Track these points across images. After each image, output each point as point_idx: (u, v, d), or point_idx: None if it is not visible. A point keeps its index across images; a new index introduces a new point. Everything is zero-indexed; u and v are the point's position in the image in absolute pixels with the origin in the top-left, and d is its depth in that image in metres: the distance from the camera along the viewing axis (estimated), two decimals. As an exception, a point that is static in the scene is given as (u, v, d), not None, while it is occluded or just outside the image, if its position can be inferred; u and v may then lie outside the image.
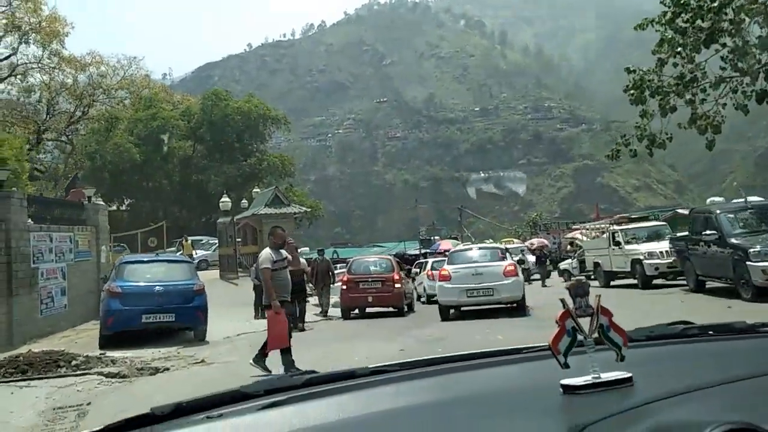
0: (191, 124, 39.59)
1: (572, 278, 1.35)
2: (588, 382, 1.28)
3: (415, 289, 20.61)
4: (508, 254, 14.97)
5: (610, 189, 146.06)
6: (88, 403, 6.04)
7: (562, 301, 1.36)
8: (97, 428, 1.26)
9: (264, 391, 1.44)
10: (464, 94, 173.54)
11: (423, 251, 42.82)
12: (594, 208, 46.14)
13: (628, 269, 17.21)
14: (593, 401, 1.25)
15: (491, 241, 34.27)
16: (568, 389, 1.27)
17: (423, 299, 20.21)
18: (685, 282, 15.39)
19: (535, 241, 34.51)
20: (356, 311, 15.91)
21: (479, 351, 1.71)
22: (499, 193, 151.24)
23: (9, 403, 7.01)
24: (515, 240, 35.47)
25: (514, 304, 13.19)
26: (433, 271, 20.45)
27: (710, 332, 1.83)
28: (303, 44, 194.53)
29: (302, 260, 15.00)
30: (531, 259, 25.37)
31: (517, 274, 13.43)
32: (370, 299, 14.82)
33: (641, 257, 16.37)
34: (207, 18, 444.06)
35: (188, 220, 40.43)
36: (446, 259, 15.48)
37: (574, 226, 34.07)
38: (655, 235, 17.40)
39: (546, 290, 20.40)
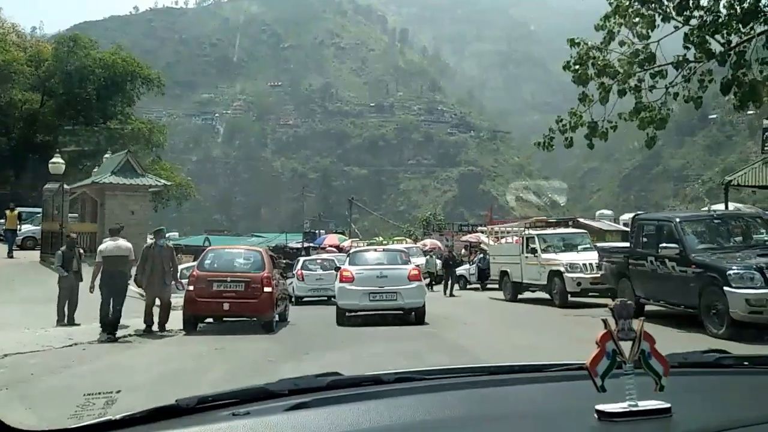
0: (40, 72, 32.96)
1: (617, 299, 1.09)
2: (624, 410, 1.22)
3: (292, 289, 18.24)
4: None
5: (490, 196, 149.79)
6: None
7: (604, 321, 1.29)
8: (119, 416, 1.26)
9: (288, 390, 1.44)
10: (361, 87, 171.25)
11: (306, 245, 39.29)
12: (487, 213, 44.16)
13: (543, 282, 14.55)
14: (629, 430, 1.19)
15: (380, 239, 31.29)
16: (603, 415, 1.21)
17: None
18: (609, 302, 12.74)
19: (428, 242, 31.91)
20: (208, 320, 12.02)
21: (509, 365, 1.68)
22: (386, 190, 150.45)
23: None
24: (407, 240, 32.57)
25: (412, 312, 12.21)
26: (303, 271, 18.98)
27: (746, 363, 1.76)
28: (196, 14, 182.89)
29: (125, 244, 10.74)
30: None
31: (421, 279, 12.73)
32: (226, 306, 10.77)
33: (561, 269, 13.73)
34: None
35: (29, 188, 33.80)
36: (347, 258, 14.00)
37: (478, 228, 31.63)
38: (575, 245, 14.88)
39: (450, 301, 17.44)
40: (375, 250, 15.01)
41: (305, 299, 18.66)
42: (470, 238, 30.07)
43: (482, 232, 27.46)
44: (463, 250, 29.04)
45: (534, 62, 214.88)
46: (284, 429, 1.22)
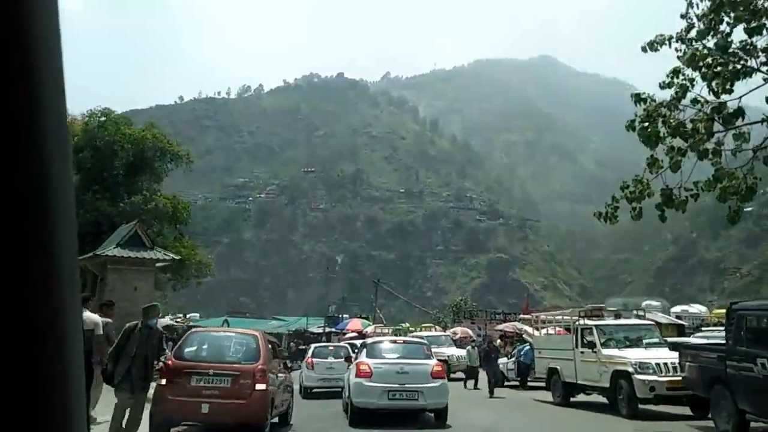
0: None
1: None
2: None
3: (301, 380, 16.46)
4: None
5: (519, 284, 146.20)
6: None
7: None
8: None
9: None
10: (391, 174, 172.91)
11: (328, 330, 36.67)
12: (525, 301, 40.90)
13: (604, 384, 11.83)
14: None
15: (407, 325, 28.80)
16: None
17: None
18: (689, 412, 10.16)
19: (458, 331, 29.17)
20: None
21: None
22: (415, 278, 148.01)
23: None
24: (436, 327, 29.86)
25: (433, 413, 10.99)
26: (314, 359, 17.17)
27: None
28: (237, 104, 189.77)
29: (91, 317, 8.40)
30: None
31: (444, 377, 11.32)
32: (205, 409, 7.93)
33: (629, 369, 11.04)
34: (139, 65, 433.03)
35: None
36: (363, 350, 12.16)
37: (519, 316, 28.76)
38: (640, 339, 12.22)
39: (490, 403, 14.56)
40: (395, 341, 13.19)
41: (314, 390, 16.68)
42: (506, 327, 27.19)
43: (524, 320, 24.63)
44: (499, 341, 26.18)
45: (561, 152, 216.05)
46: None
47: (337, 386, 15.11)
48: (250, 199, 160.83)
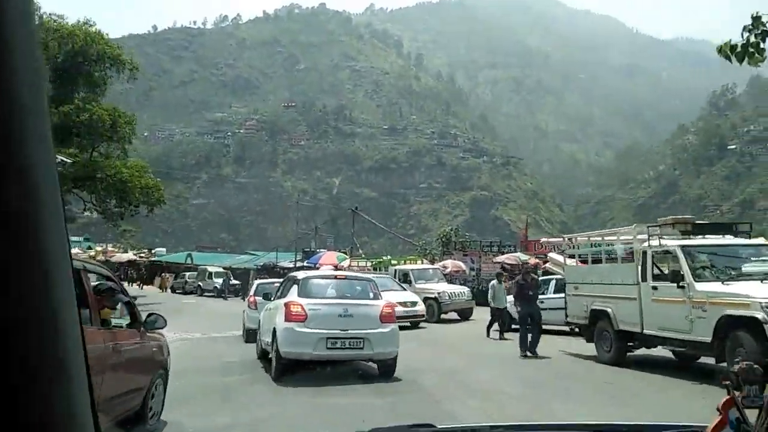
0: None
1: (743, 363, 0.95)
2: None
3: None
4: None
5: (502, 222, 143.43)
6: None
7: (727, 387, 1.12)
8: None
9: None
10: (374, 110, 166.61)
11: (301, 264, 32.26)
12: (523, 231, 34.44)
13: (701, 336, 7.18)
14: None
15: (389, 258, 24.06)
16: None
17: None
18: None
19: (449, 264, 24.68)
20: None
21: (615, 423, 1.52)
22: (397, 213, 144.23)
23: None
24: (422, 260, 25.13)
25: (378, 364, 8.90)
26: (257, 298, 14.27)
27: None
28: (213, 35, 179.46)
29: None
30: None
31: (394, 321, 9.07)
32: None
33: (756, 314, 6.40)
34: None
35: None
36: (294, 287, 9.28)
37: (511, 248, 23.99)
38: (742, 269, 7.57)
39: (530, 367, 10.04)
40: (335, 277, 10.53)
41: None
42: (506, 258, 22.68)
43: (555, 245, 19.89)
44: (502, 273, 21.66)
45: (547, 90, 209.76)
46: None
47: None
48: (229, 134, 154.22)
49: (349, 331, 8.54)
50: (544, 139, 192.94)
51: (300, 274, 10.68)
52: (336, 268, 32.02)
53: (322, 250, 38.21)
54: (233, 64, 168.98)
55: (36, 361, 0.63)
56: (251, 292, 15.51)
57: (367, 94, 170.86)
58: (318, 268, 32.50)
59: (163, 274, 41.56)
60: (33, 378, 0.63)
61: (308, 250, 40.83)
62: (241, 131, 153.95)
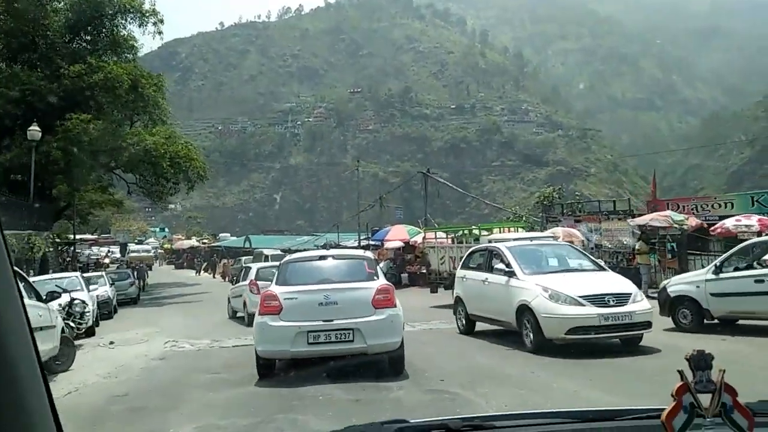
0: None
1: (694, 350, 1.01)
2: None
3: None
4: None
5: (582, 197, 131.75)
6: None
7: (680, 372, 1.13)
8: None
9: None
10: (440, 90, 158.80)
11: (366, 242, 26.30)
12: (651, 186, 25.53)
13: None
14: None
15: (475, 229, 17.44)
16: None
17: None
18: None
19: (559, 232, 17.60)
20: None
21: (580, 410, 1.55)
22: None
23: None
24: (520, 229, 18.12)
25: (383, 357, 7.26)
26: (259, 282, 13.11)
27: None
28: (278, 28, 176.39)
29: None
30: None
31: (394, 304, 7.28)
32: None
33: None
34: None
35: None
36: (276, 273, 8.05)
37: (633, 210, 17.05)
38: None
39: None
40: (321, 257, 8.13)
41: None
42: (649, 219, 15.47)
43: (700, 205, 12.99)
44: (639, 244, 14.54)
45: (621, 58, 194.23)
46: None
47: None
48: (299, 123, 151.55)
49: (334, 322, 6.93)
50: (621, 109, 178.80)
51: (286, 258, 9.22)
52: (407, 244, 25.63)
53: (387, 226, 31.86)
54: (298, 55, 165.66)
55: None
56: (252, 276, 14.35)
57: (432, 75, 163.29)
58: (383, 246, 26.48)
59: (224, 260, 36.59)
60: None
61: (377, 229, 34.65)
62: (310, 119, 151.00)
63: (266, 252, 29.77)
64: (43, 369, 0.83)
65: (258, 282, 13.59)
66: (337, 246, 30.31)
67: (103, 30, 23.77)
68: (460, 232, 17.78)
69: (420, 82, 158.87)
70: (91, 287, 15.05)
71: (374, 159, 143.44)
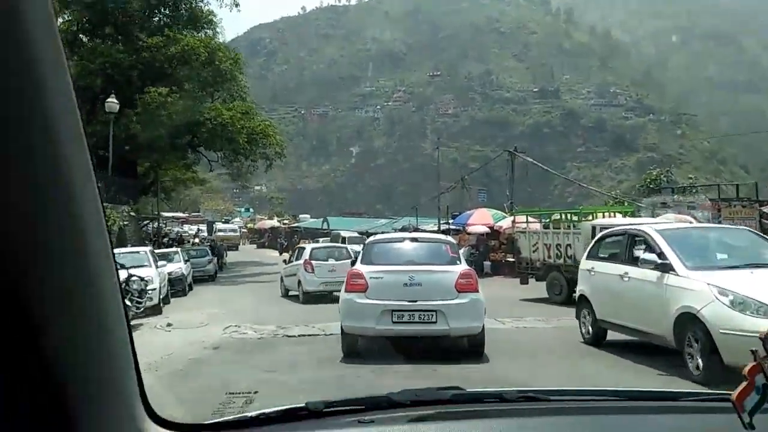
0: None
1: None
2: None
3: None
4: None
5: (677, 186, 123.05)
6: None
7: (754, 352, 1.06)
8: (254, 414, 1.24)
9: (411, 401, 1.34)
10: (523, 73, 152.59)
11: (446, 226, 24.54)
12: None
13: None
14: None
15: (579, 209, 15.16)
16: None
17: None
18: None
19: (672, 218, 15.11)
20: None
21: (642, 390, 1.54)
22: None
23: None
24: (616, 214, 15.65)
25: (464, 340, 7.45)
26: (314, 261, 14.31)
27: None
28: (358, 11, 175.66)
29: None
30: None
31: (476, 289, 7.44)
32: None
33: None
34: None
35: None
36: (358, 253, 8.58)
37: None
38: None
39: None
40: (404, 239, 8.58)
41: (316, 294, 13.91)
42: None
43: None
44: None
45: (720, 37, 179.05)
46: None
47: (338, 290, 10.67)
48: (378, 107, 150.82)
49: (418, 303, 7.12)
50: (720, 92, 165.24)
51: (369, 239, 9.37)
52: (491, 229, 23.63)
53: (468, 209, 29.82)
54: (378, 38, 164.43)
55: (79, 326, 0.67)
56: (306, 256, 14.87)
57: (514, 57, 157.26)
58: (464, 231, 24.57)
59: (307, 242, 35.74)
60: (76, 342, 0.68)
61: (457, 213, 32.76)
62: (389, 104, 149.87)
63: (343, 234, 28.69)
64: (131, 333, 0.87)
65: (312, 261, 14.15)
66: (416, 230, 28.83)
67: (183, 5, 23.20)
68: (557, 216, 15.64)
69: (501, 64, 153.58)
70: (164, 264, 14.30)
71: (454, 143, 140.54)
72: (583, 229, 12.79)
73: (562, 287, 13.12)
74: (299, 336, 8.96)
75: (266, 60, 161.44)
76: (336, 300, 12.74)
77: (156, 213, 26.53)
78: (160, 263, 13.62)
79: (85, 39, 22.09)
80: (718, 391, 1.21)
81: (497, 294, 15.25)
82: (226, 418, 1.25)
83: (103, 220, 0.84)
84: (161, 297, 12.78)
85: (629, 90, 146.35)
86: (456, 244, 8.70)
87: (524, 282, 14.66)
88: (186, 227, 49.93)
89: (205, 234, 41.49)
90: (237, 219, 62.97)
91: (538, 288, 14.13)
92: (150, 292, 11.43)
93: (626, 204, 21.64)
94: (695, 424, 1.24)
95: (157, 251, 17.49)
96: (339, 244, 19.59)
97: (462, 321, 7.14)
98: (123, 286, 9.67)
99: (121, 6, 21.91)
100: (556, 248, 13.47)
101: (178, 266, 16.57)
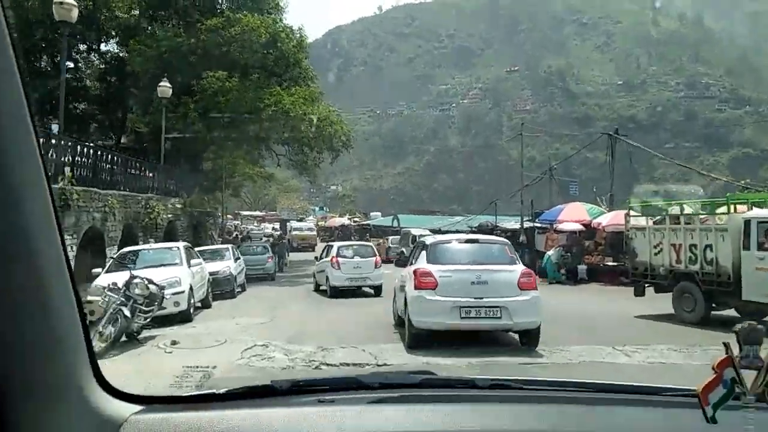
0: None
1: (746, 323, 1.09)
2: None
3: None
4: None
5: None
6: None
7: (726, 345, 1.04)
8: (221, 391, 1.23)
9: (379, 383, 1.32)
10: (606, 65, 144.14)
11: (531, 224, 21.44)
12: None
13: None
14: None
15: (693, 204, 11.87)
16: None
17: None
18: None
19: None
20: None
21: (614, 383, 1.49)
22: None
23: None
24: (740, 208, 12.05)
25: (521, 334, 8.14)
26: (340, 258, 15.15)
27: None
28: (434, 8, 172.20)
29: None
30: None
31: (535, 287, 8.10)
32: None
33: None
34: None
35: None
36: (421, 252, 8.64)
37: None
38: None
39: None
40: (467, 240, 9.05)
41: (341, 289, 14.78)
42: None
43: None
44: None
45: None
46: (364, 420, 1.13)
47: (364, 285, 14.76)
48: (453, 105, 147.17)
49: (485, 300, 7.65)
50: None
51: (429, 239, 9.58)
52: (587, 226, 20.19)
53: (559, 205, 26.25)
54: (454, 35, 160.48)
55: (24, 290, 0.68)
56: (333, 253, 15.24)
57: (597, 49, 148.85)
58: (554, 229, 21.20)
59: (380, 240, 32.86)
60: (23, 304, 0.69)
61: (539, 211, 29.18)
62: (465, 101, 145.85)
63: (413, 231, 26.10)
64: (79, 296, 0.86)
65: (338, 258, 14.93)
66: (495, 227, 25.76)
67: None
68: (686, 208, 11.74)
69: (582, 57, 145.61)
70: (200, 262, 12.25)
71: (532, 140, 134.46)
72: (731, 225, 9.49)
73: (697, 302, 9.94)
74: (340, 366, 6.43)
75: (344, 62, 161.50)
76: (362, 294, 13.94)
77: (221, 207, 25.10)
78: (194, 262, 11.54)
79: (145, 25, 20.76)
80: (687, 387, 1.18)
81: (603, 308, 12.13)
82: (192, 393, 1.23)
83: (54, 224, 0.82)
84: (194, 301, 10.68)
85: (723, 80, 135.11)
86: (511, 245, 8.95)
87: (639, 293, 11.24)
88: (263, 225, 48.94)
89: (279, 232, 40.06)
90: (311, 217, 62.04)
91: (657, 301, 10.92)
92: (173, 296, 9.32)
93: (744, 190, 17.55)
94: (662, 416, 1.22)
95: (205, 248, 15.59)
96: (364, 242, 20.02)
97: (524, 316, 7.65)
98: (124, 292, 7.71)
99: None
100: (690, 250, 10.18)
101: (226, 265, 14.58)
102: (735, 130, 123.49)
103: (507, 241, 9.43)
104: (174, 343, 7.62)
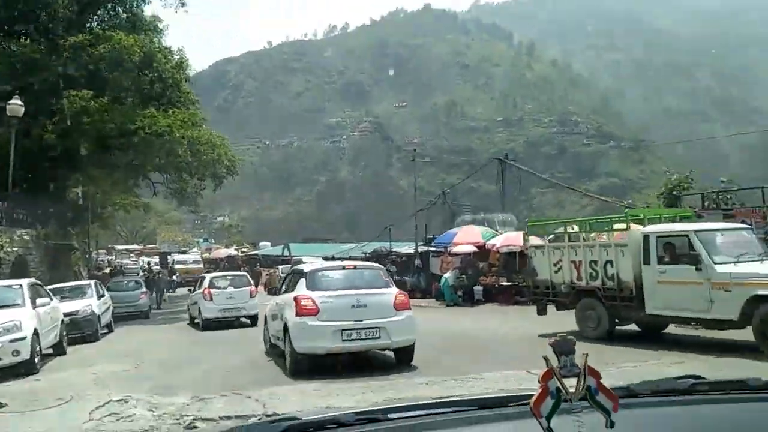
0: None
1: (557, 336, 1.05)
2: None
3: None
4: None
5: (730, 184, 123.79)
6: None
7: (546, 359, 1.12)
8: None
9: None
10: (487, 103, 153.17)
11: (423, 249, 21.13)
12: None
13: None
14: None
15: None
16: None
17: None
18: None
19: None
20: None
21: (457, 398, 1.50)
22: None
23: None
24: (633, 226, 12.47)
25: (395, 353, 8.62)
26: (212, 290, 14.72)
27: (727, 390, 1.42)
28: (324, 45, 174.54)
29: None
30: None
31: (409, 307, 8.64)
32: None
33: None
34: (229, 15, 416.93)
35: None
36: (302, 280, 8.72)
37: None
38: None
39: None
40: (343, 267, 9.39)
41: (215, 321, 14.28)
42: None
43: None
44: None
45: (675, 69, 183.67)
46: None
47: (239, 315, 14.36)
48: (344, 137, 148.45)
49: (364, 322, 8.03)
50: (676, 120, 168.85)
51: (306, 267, 9.69)
52: (482, 248, 20.24)
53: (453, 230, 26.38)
54: (344, 71, 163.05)
55: None
56: (206, 285, 15.01)
57: (478, 88, 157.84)
58: (448, 251, 21.15)
59: (271, 270, 31.18)
60: None
61: (431, 237, 29.31)
62: (355, 134, 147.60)
63: (305, 260, 24.94)
64: None
65: (210, 289, 14.44)
66: (389, 253, 25.30)
67: (121, 7, 19.54)
68: (571, 227, 11.74)
69: (466, 95, 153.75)
70: (47, 301, 10.30)
71: (420, 171, 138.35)
72: (631, 240, 9.46)
73: (600, 317, 9.79)
74: (219, 420, 5.19)
75: (231, 92, 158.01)
76: (235, 326, 13.52)
77: (85, 241, 22.40)
78: (42, 301, 9.66)
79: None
80: (518, 395, 1.22)
81: (506, 330, 11.78)
82: None
83: None
84: (39, 348, 8.84)
85: (589, 118, 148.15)
86: (385, 269, 9.46)
87: (542, 312, 10.95)
88: (141, 259, 45.22)
89: (157, 267, 36.93)
90: (194, 249, 58.45)
91: (560, 319, 10.70)
92: (11, 343, 7.55)
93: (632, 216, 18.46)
94: (509, 429, 1.23)
95: (63, 285, 13.49)
96: (239, 272, 19.26)
97: (401, 335, 8.11)
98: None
99: (45, 4, 18.16)
100: (590, 266, 10.07)
101: (87, 303, 12.59)
102: (601, 162, 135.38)
103: (381, 266, 10.16)
104: (1, 405, 5.88)
